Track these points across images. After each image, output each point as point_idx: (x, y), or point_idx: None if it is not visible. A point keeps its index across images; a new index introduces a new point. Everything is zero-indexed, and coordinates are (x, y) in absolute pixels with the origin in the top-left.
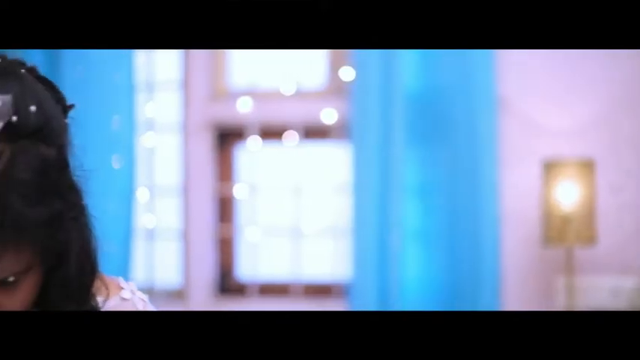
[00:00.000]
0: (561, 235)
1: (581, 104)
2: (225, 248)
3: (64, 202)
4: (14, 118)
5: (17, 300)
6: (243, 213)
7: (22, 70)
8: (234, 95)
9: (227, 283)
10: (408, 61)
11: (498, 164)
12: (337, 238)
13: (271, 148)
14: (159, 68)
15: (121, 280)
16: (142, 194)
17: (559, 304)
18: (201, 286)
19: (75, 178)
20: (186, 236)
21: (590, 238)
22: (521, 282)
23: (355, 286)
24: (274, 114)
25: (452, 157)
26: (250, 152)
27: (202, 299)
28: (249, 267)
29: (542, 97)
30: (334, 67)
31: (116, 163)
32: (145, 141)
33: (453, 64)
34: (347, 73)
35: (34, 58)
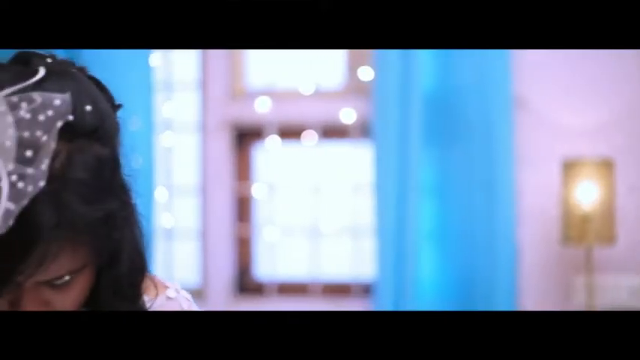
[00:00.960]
0: (581, 234)
1: (599, 103)
2: (243, 248)
3: (117, 201)
4: (71, 118)
5: (70, 299)
6: (261, 212)
7: (74, 70)
8: (252, 95)
9: (245, 283)
10: (425, 61)
11: (516, 164)
12: (356, 237)
13: (290, 147)
14: (177, 68)
15: (166, 279)
16: (160, 194)
17: (578, 304)
18: (220, 286)
19: (125, 178)
20: (204, 236)
21: (609, 237)
22: (539, 281)
23: (378, 285)
24: (293, 113)
25: (469, 157)
26: (269, 152)
27: (221, 299)
28: (268, 266)
29: (560, 97)
30: (353, 67)
31: (134, 163)
32: (163, 141)
33: (470, 64)
34: (365, 73)
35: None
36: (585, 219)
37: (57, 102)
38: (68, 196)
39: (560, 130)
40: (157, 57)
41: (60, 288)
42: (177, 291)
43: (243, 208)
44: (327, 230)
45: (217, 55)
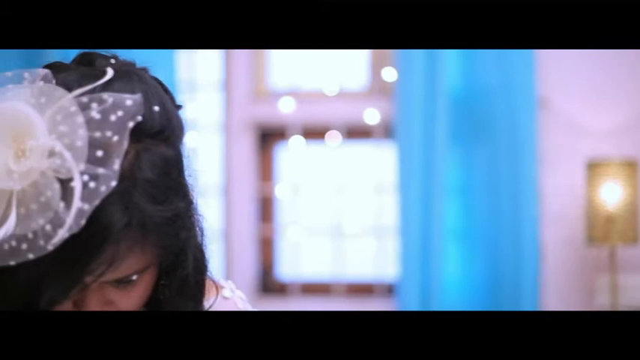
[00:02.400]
0: (605, 234)
1: (623, 104)
2: (266, 248)
3: (184, 201)
4: (141, 118)
5: (133, 298)
6: (284, 213)
7: (139, 70)
8: (275, 95)
9: (268, 283)
10: (449, 62)
11: (540, 164)
12: (379, 237)
13: (313, 148)
14: (200, 68)
15: (221, 279)
16: None
17: (602, 303)
18: (243, 286)
19: (188, 178)
20: (227, 236)
21: (633, 237)
22: (563, 281)
23: (402, 285)
24: (316, 114)
25: (493, 157)
26: (292, 152)
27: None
28: (291, 266)
29: (584, 97)
30: (376, 68)
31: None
32: (186, 141)
33: (494, 64)
34: (389, 74)
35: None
36: (609, 219)
37: (128, 102)
38: (137, 196)
39: (583, 131)
40: (180, 57)
41: (124, 287)
42: (232, 291)
43: (266, 208)
44: (350, 230)
45: (241, 55)
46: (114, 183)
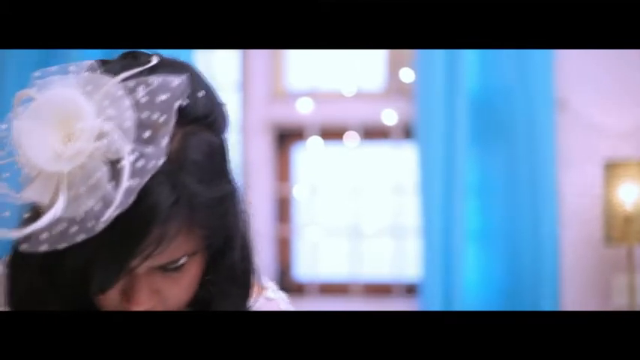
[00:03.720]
0: (623, 235)
1: None
2: (283, 248)
3: (229, 186)
4: (186, 102)
5: (181, 288)
6: (302, 213)
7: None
8: (293, 96)
9: (286, 283)
10: (468, 62)
11: (558, 165)
12: (396, 237)
13: (331, 148)
14: (218, 69)
15: (264, 279)
16: None
17: (619, 304)
18: None
19: (231, 168)
20: None
21: None
22: (581, 281)
23: (424, 286)
24: (334, 115)
25: (511, 158)
26: (309, 152)
27: None
28: (309, 267)
29: (601, 98)
30: (393, 68)
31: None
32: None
33: (513, 65)
34: (407, 74)
35: (92, 58)
36: (627, 219)
37: (174, 84)
38: (184, 176)
39: (601, 132)
40: (198, 58)
41: (171, 275)
42: (275, 292)
43: (283, 208)
44: (368, 231)
45: (258, 55)
46: (162, 160)
